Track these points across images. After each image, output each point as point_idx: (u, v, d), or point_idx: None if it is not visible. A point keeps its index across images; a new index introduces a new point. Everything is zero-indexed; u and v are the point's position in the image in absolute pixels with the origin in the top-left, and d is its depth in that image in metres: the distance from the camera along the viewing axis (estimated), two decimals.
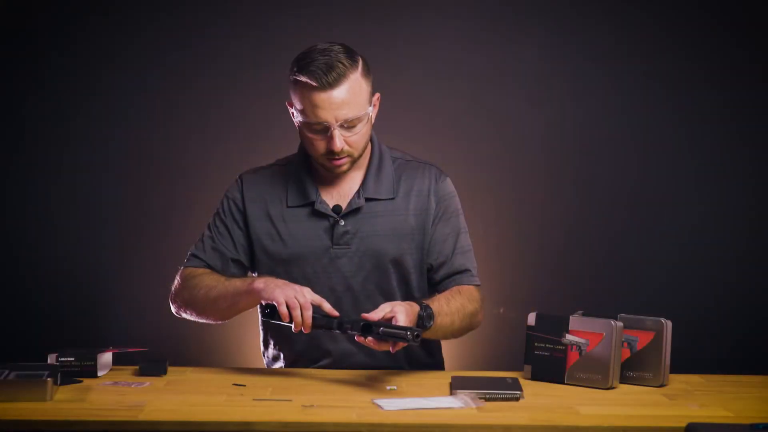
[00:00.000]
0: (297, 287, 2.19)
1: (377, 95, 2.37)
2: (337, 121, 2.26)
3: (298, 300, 2.16)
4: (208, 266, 2.41)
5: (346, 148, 2.30)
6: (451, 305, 2.33)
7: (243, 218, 2.43)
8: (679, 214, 3.63)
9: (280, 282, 2.23)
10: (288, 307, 2.17)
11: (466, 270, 2.44)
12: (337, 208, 2.38)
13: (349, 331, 2.15)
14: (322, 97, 2.24)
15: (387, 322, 2.12)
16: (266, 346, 2.52)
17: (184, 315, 2.41)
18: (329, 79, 2.23)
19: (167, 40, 3.56)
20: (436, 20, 3.60)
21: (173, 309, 2.43)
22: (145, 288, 3.60)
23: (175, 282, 2.43)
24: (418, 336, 2.07)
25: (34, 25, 3.54)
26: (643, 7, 3.59)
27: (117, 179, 3.59)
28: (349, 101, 2.25)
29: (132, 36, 3.56)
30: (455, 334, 2.39)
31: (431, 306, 2.25)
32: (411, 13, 3.60)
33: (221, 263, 2.41)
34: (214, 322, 2.41)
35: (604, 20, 3.60)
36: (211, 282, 2.35)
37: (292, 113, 2.34)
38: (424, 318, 2.22)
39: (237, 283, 2.30)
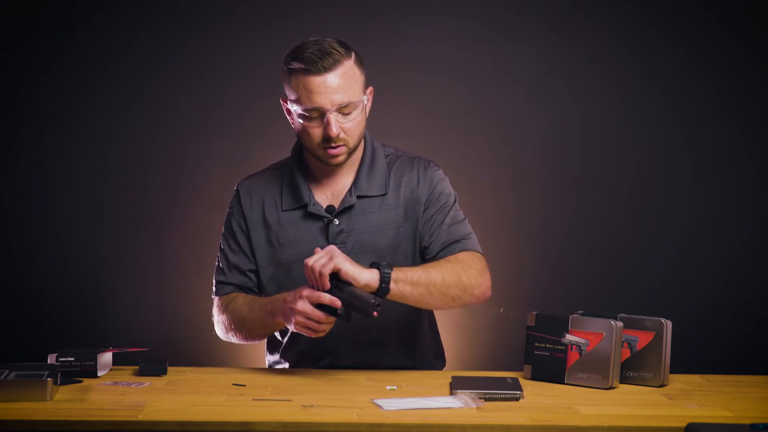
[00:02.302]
0: (297, 306, 2.19)
1: (370, 89, 2.39)
2: (332, 106, 2.27)
3: (303, 320, 2.19)
4: (234, 285, 2.45)
5: (342, 135, 2.30)
6: (428, 268, 2.28)
7: (246, 226, 2.44)
8: (679, 214, 3.63)
9: (285, 308, 2.24)
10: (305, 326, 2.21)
11: (463, 238, 2.39)
12: (330, 208, 2.40)
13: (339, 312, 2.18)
14: (317, 82, 2.26)
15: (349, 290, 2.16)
16: (270, 352, 2.55)
17: (232, 339, 2.46)
18: (324, 64, 2.26)
19: (167, 40, 3.56)
20: (436, 20, 3.60)
21: (220, 335, 2.49)
22: (145, 288, 3.60)
23: (215, 312, 2.47)
24: (378, 306, 2.10)
25: (34, 25, 3.53)
26: (644, 7, 3.60)
27: (117, 179, 3.59)
28: (344, 86, 2.27)
29: (132, 36, 3.56)
30: (445, 298, 2.29)
31: (398, 272, 2.22)
32: (411, 13, 3.60)
33: (243, 278, 2.45)
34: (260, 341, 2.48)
35: (604, 20, 3.60)
36: (244, 310, 2.39)
37: (287, 109, 2.35)
38: (383, 266, 2.20)
39: (263, 314, 2.33)
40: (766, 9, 3.58)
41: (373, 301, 2.11)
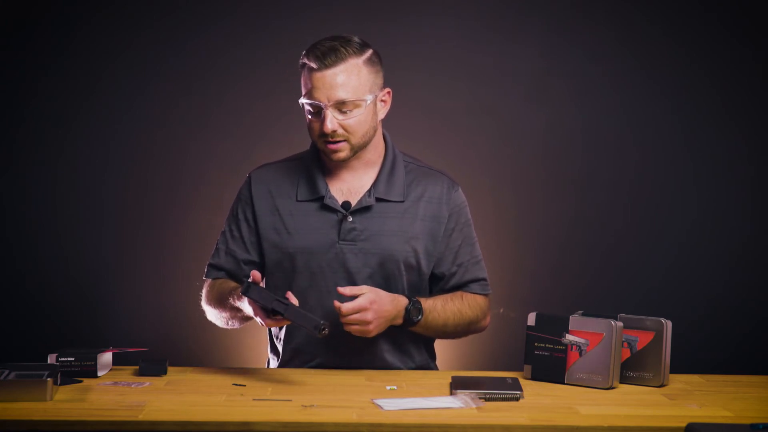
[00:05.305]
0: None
1: (387, 90, 2.39)
2: (329, 101, 2.28)
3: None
4: (225, 271, 2.47)
5: (340, 131, 2.31)
6: (447, 308, 2.39)
7: (252, 215, 2.44)
8: (679, 214, 3.63)
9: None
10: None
11: (476, 280, 2.47)
12: (346, 205, 2.39)
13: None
14: (317, 77, 2.29)
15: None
16: (270, 349, 2.56)
17: (217, 323, 2.49)
18: (327, 61, 2.28)
19: (167, 40, 3.56)
20: (436, 20, 3.60)
21: (208, 317, 2.52)
22: (145, 288, 3.60)
23: (202, 294, 2.50)
24: (324, 329, 2.12)
25: (34, 25, 3.53)
26: (644, 7, 3.60)
27: (117, 179, 3.59)
28: (344, 83, 2.28)
29: (132, 36, 3.55)
30: (449, 335, 2.46)
31: (424, 303, 2.33)
32: (411, 13, 3.59)
33: (235, 266, 2.46)
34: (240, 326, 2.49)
35: (604, 20, 3.60)
36: (217, 298, 2.42)
37: (302, 103, 2.36)
38: (411, 312, 2.32)
39: (230, 309, 2.39)
40: (766, 9, 3.58)
41: (319, 325, 2.12)
